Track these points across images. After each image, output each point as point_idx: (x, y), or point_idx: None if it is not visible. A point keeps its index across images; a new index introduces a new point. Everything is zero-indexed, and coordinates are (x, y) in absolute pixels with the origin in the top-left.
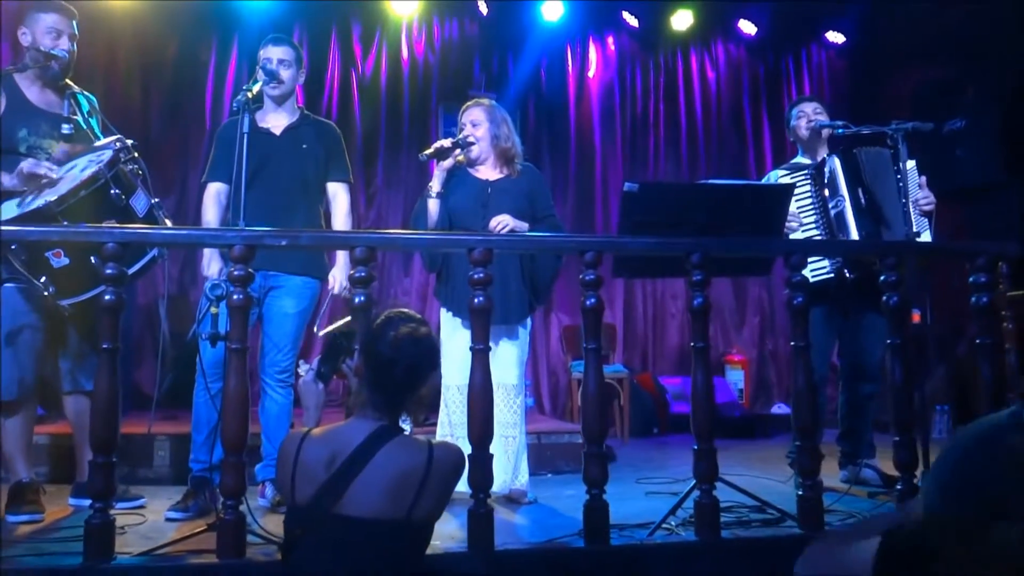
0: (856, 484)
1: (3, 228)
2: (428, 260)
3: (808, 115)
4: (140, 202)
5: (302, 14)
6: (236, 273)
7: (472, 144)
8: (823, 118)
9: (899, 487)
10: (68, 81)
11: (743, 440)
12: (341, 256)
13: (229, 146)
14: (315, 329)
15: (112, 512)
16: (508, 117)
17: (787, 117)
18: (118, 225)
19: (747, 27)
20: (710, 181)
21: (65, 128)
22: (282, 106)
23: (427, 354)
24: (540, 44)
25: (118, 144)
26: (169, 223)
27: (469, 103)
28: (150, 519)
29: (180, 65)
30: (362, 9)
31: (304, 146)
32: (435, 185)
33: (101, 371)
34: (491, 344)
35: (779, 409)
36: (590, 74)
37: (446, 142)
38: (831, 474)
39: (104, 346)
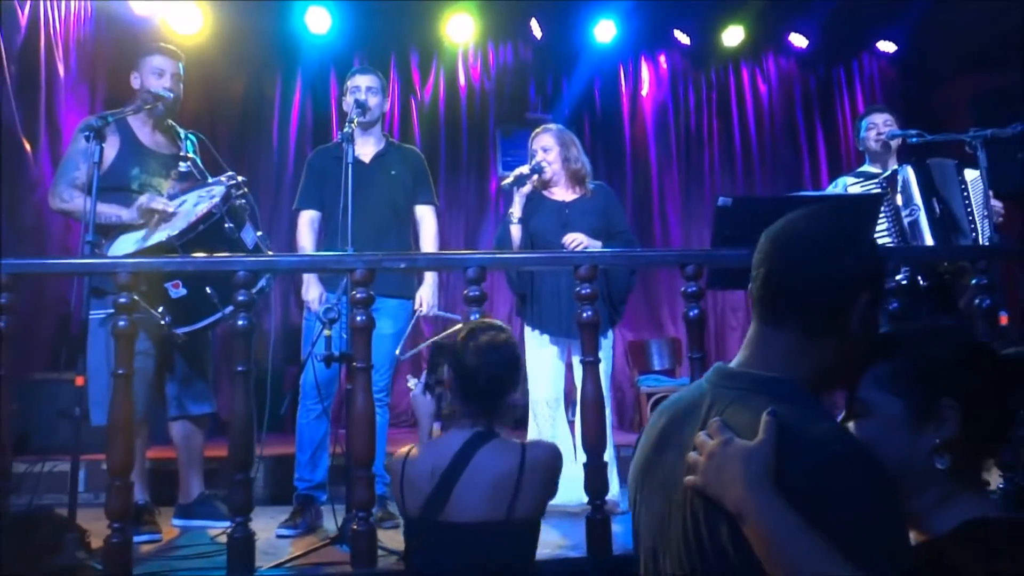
0: None
1: (136, 260)
2: (516, 282)
3: (879, 126)
4: (249, 235)
5: (361, 45)
6: (358, 296)
7: (544, 169)
8: (893, 128)
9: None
10: (172, 123)
11: None
12: (429, 276)
13: (320, 174)
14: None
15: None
16: (576, 139)
17: (857, 128)
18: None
19: (798, 40)
20: (800, 193)
21: (183, 166)
22: (369, 132)
23: (509, 360)
24: (593, 65)
25: (230, 181)
26: (271, 254)
27: (538, 130)
28: (262, 536)
29: (247, 100)
30: (419, 37)
31: (393, 172)
32: (516, 211)
33: (237, 392)
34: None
35: None
36: (643, 92)
37: (524, 169)
38: None
39: (239, 368)
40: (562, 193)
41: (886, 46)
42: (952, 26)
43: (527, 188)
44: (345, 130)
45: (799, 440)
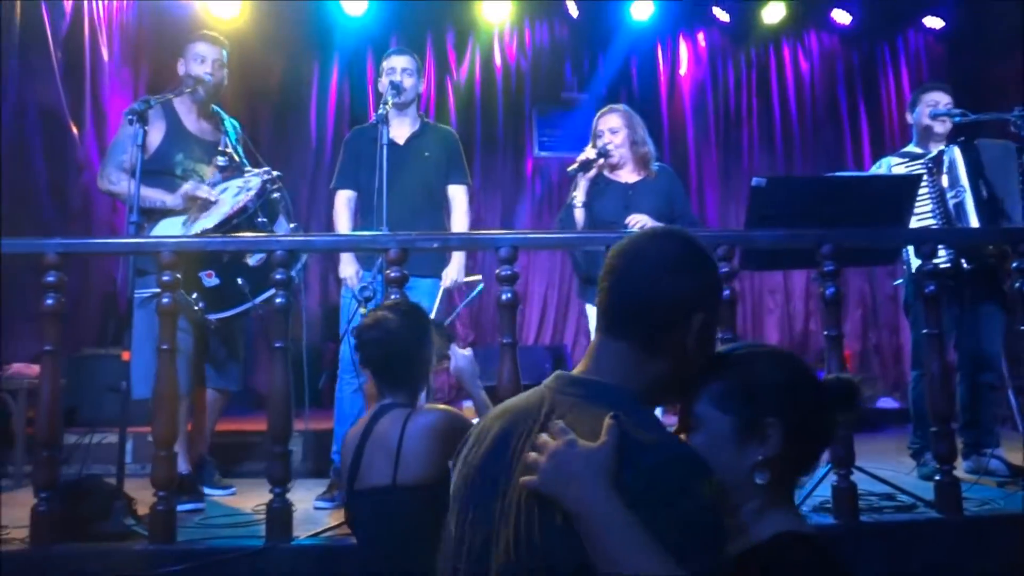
0: (983, 475)
1: (179, 240)
2: (583, 265)
3: (939, 106)
4: (282, 229)
5: (397, 25)
6: (392, 275)
7: (611, 152)
8: (944, 108)
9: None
10: (217, 109)
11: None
12: (456, 256)
13: (357, 155)
14: None
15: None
16: (641, 120)
17: (912, 102)
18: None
19: (841, 16)
20: (837, 174)
21: (221, 160)
22: (405, 113)
23: (393, 336)
24: (630, 43)
25: (266, 176)
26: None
27: (604, 110)
28: (300, 508)
29: (285, 82)
30: (455, 17)
31: (426, 154)
32: (580, 195)
33: (275, 368)
34: None
35: (885, 403)
36: (681, 71)
37: (590, 153)
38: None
39: (277, 345)
40: (626, 175)
41: (933, 22)
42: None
43: (593, 172)
44: (380, 111)
45: (634, 443)
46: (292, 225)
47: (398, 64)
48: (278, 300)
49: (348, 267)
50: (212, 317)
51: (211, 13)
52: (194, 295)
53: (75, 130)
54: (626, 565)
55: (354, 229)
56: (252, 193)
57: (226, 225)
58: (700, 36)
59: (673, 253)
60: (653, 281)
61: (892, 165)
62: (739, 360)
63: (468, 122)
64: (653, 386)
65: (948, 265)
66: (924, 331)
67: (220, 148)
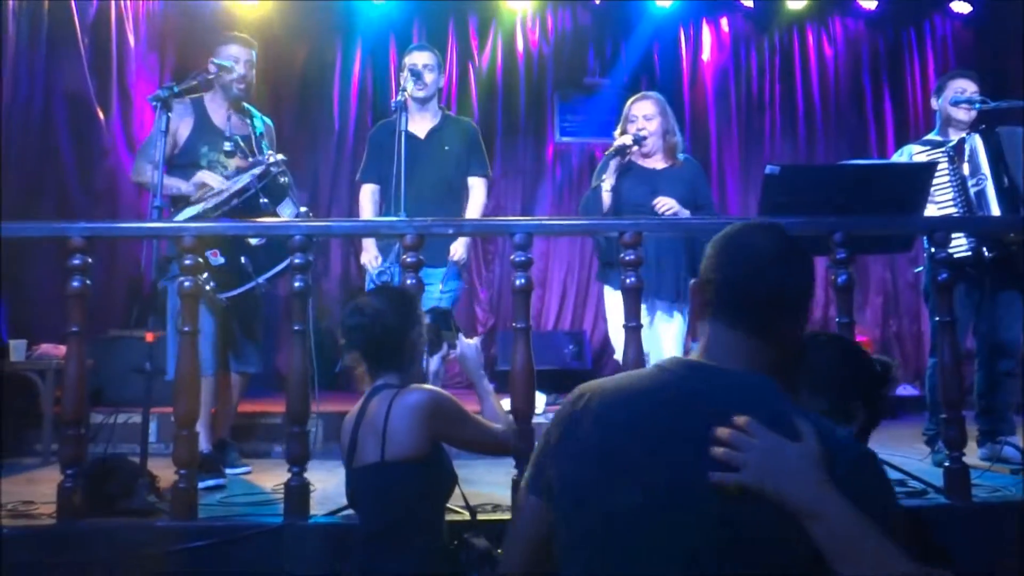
0: (997, 462)
1: (200, 224)
2: (605, 250)
3: (967, 94)
4: (287, 210)
5: (420, 11)
6: (408, 260)
7: (646, 139)
8: (967, 95)
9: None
10: (248, 106)
11: None
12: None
13: (380, 148)
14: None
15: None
16: (671, 111)
17: (936, 89)
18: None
19: (866, 1)
20: (850, 162)
21: (227, 145)
22: (425, 107)
23: (374, 319)
24: (653, 29)
25: (270, 159)
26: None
27: (637, 97)
28: (319, 487)
29: (308, 68)
30: (478, 4)
31: (447, 147)
32: (610, 179)
33: (294, 350)
34: (666, 317)
35: (904, 390)
36: (704, 57)
37: (627, 139)
38: (970, 452)
39: (296, 328)
40: (653, 162)
41: (960, 7)
42: None
43: (626, 159)
44: (398, 99)
45: (831, 439)
46: (303, 209)
47: (419, 60)
48: (296, 284)
49: (368, 254)
50: (222, 296)
51: (236, 3)
52: (204, 275)
53: (101, 115)
54: (871, 560)
55: None
56: (254, 177)
57: (225, 205)
58: (723, 22)
59: (785, 246)
60: (776, 274)
61: (914, 153)
62: (821, 346)
63: (490, 109)
64: (767, 373)
65: (969, 254)
66: (936, 318)
67: (226, 135)
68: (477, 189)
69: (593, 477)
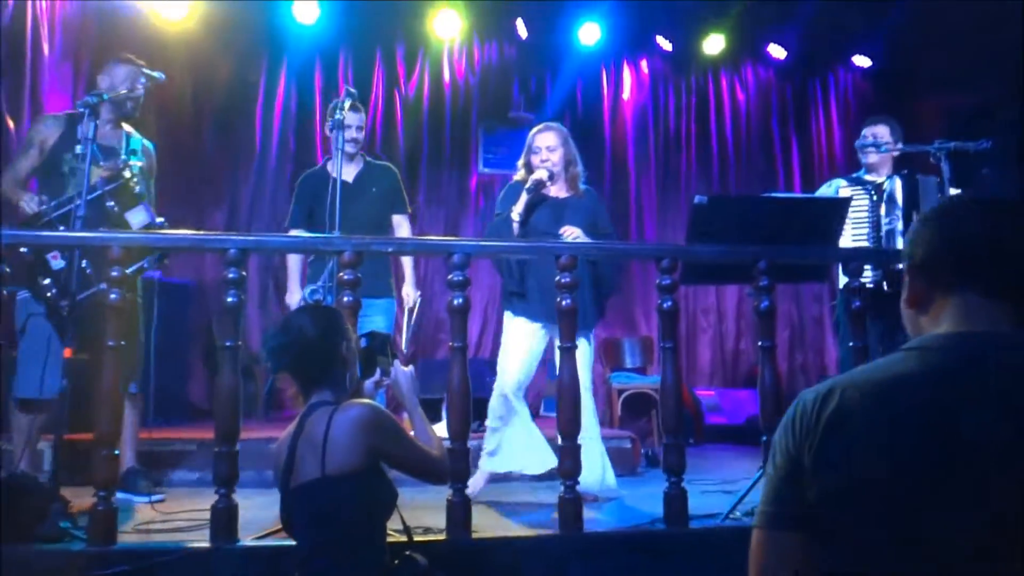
0: None
1: (129, 236)
2: (510, 279)
3: (878, 138)
4: (137, 217)
5: (348, 37)
6: (346, 277)
7: (553, 171)
8: (873, 140)
9: None
10: (127, 126)
11: None
12: (409, 274)
13: (308, 195)
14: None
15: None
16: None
17: (860, 135)
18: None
19: (777, 51)
20: (773, 194)
21: (78, 148)
22: (353, 160)
23: (298, 337)
24: (576, 67)
25: (121, 165)
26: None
27: (540, 128)
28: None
29: (232, 86)
30: (406, 31)
31: (373, 189)
32: (519, 208)
33: (224, 367)
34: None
35: None
36: (624, 96)
37: (542, 174)
38: None
39: (227, 344)
40: (556, 191)
41: (862, 60)
42: (927, 44)
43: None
44: (334, 152)
45: None
46: (160, 220)
47: (354, 121)
48: (229, 299)
49: (292, 296)
50: (63, 304)
51: (158, 14)
52: (47, 280)
53: (11, 124)
54: None
55: (305, 266)
56: (100, 177)
57: (70, 203)
58: (644, 63)
59: (1013, 205)
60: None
61: (840, 187)
62: None
63: (415, 136)
64: None
65: (871, 285)
66: (850, 343)
67: (78, 138)
68: (404, 226)
69: (895, 470)
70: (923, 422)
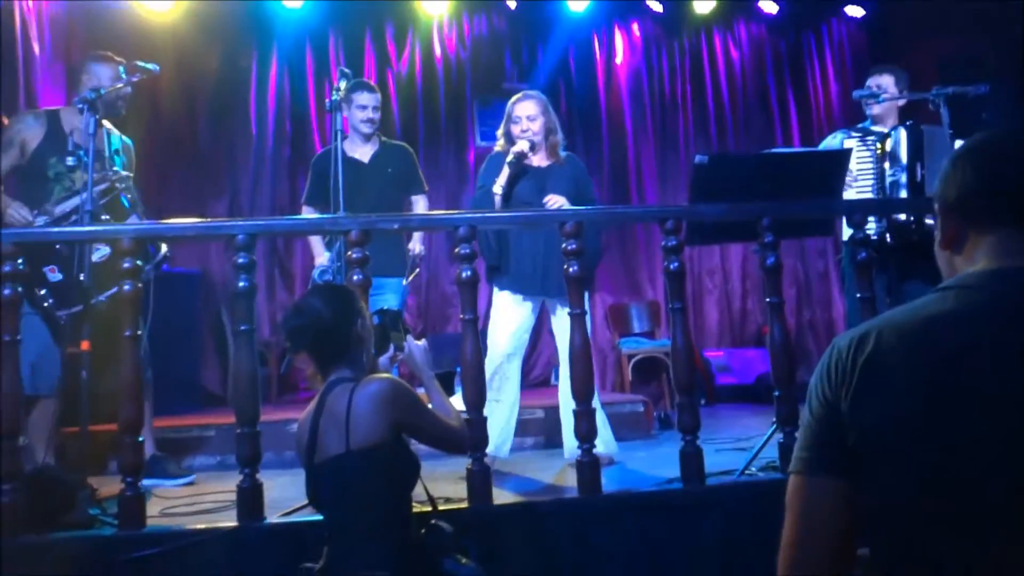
0: None
1: (136, 227)
2: (494, 252)
3: (881, 87)
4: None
5: (336, 18)
6: (354, 256)
7: (534, 141)
8: (870, 90)
9: None
10: (110, 125)
11: None
12: (417, 236)
13: (322, 174)
14: None
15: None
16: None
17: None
18: None
19: (768, 6)
20: (773, 151)
21: (70, 160)
22: (369, 140)
23: (314, 318)
24: (567, 34)
25: (113, 176)
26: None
27: (518, 96)
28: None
29: (223, 73)
30: (393, 11)
31: (389, 170)
32: (502, 182)
33: (240, 350)
34: (563, 313)
35: None
36: (617, 60)
37: (524, 147)
38: None
39: (242, 328)
40: (538, 160)
41: (854, 11)
42: None
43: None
44: (337, 140)
45: None
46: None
47: (369, 102)
48: (241, 283)
49: (321, 257)
50: (61, 314)
51: (145, 7)
52: (43, 291)
53: (6, 123)
54: None
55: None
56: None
57: (65, 221)
58: (635, 26)
59: None
60: None
61: (844, 139)
62: None
63: (410, 114)
64: None
65: (875, 237)
66: (857, 295)
67: (71, 147)
68: (420, 204)
69: (934, 410)
70: (961, 361)
